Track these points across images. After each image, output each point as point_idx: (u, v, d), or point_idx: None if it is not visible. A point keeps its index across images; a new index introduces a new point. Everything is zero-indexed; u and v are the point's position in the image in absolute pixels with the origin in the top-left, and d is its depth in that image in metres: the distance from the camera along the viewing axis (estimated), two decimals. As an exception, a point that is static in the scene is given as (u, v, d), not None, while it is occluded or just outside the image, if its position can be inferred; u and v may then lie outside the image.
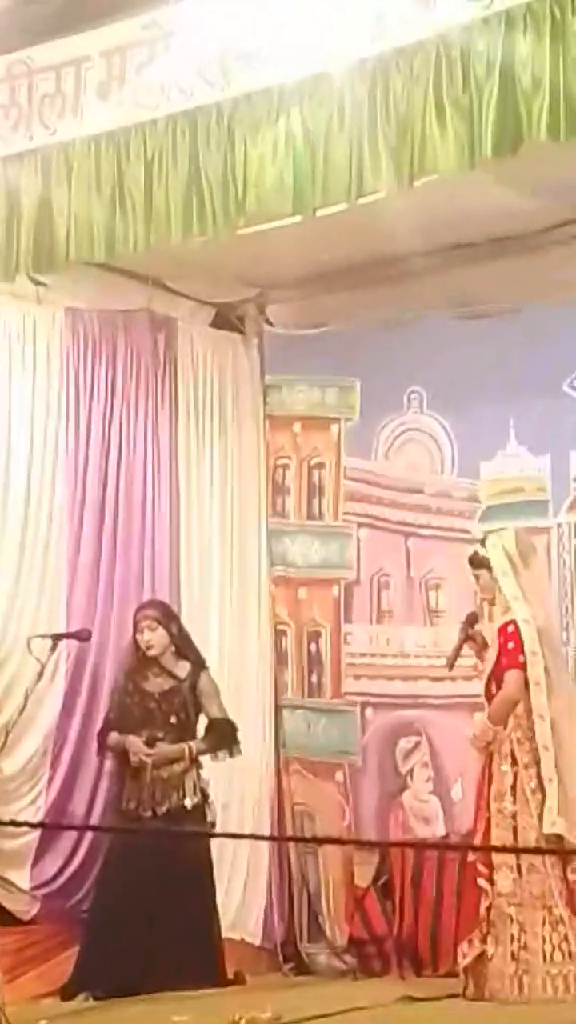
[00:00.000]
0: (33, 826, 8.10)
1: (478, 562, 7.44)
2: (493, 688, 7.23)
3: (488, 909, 7.05)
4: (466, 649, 7.50)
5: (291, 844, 9.00)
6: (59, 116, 6.28)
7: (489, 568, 7.34)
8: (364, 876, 8.61)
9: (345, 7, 5.65)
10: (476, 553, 7.51)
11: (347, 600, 9.14)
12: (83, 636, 7.91)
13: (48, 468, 8.41)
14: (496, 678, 7.22)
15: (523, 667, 7.12)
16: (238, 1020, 5.91)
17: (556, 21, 5.21)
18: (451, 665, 7.60)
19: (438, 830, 8.59)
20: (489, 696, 7.23)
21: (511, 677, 7.19)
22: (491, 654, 7.31)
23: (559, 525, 8.46)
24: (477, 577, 7.47)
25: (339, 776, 9.05)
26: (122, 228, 6.17)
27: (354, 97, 5.64)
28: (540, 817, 6.98)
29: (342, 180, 5.74)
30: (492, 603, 7.42)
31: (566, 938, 6.92)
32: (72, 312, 8.57)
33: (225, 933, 8.07)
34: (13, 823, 7.97)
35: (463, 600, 8.12)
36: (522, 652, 7.11)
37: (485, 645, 7.42)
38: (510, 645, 7.19)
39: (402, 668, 8.69)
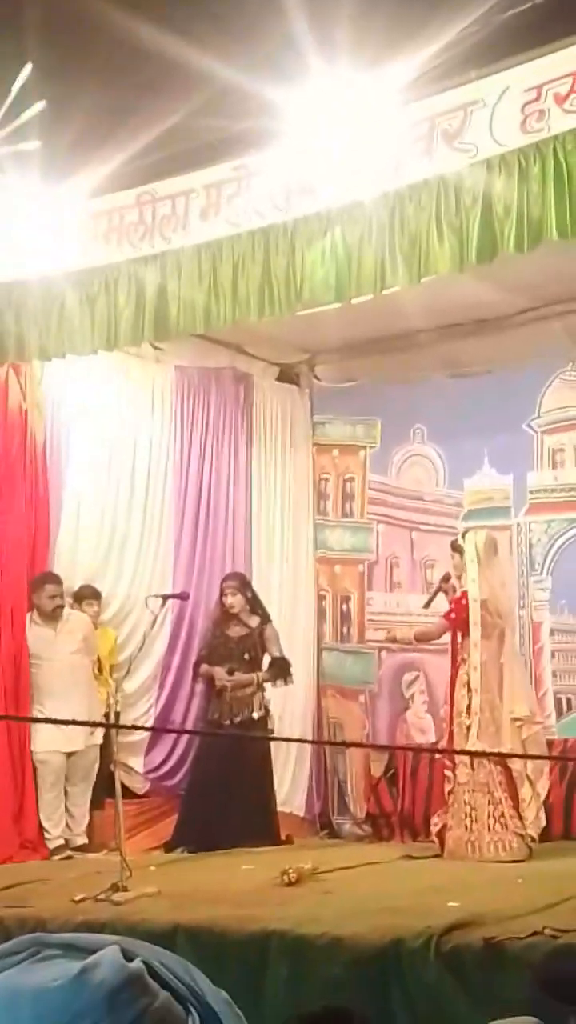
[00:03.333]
0: (146, 729, 8.20)
1: (456, 547, 7.45)
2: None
3: (450, 793, 7.09)
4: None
5: (326, 746, 9.03)
6: (173, 230, 6.23)
7: (462, 554, 7.34)
8: (378, 769, 8.63)
9: (374, 156, 5.59)
10: (455, 541, 7.53)
11: (369, 575, 9.15)
12: (184, 596, 7.96)
13: (161, 479, 8.48)
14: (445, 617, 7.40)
15: (455, 624, 7.22)
16: (288, 869, 5.90)
17: (521, 167, 5.18)
18: (427, 605, 7.73)
19: (431, 738, 8.59)
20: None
21: (440, 623, 7.44)
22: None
23: (518, 524, 8.48)
24: (453, 557, 7.49)
25: (361, 699, 9.07)
26: (216, 309, 6.13)
27: (379, 220, 5.59)
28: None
29: (370, 278, 5.69)
30: (459, 578, 7.40)
31: (503, 815, 6.93)
32: (180, 369, 8.61)
33: (279, 807, 8.13)
34: (133, 726, 8.07)
35: (450, 576, 8.12)
36: (463, 618, 7.15)
37: (455, 593, 7.48)
38: (452, 606, 7.31)
39: (407, 623, 8.68)
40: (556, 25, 5.25)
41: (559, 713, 8.17)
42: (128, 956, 0.86)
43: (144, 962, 0.86)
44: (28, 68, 5.57)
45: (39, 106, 5.77)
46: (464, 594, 7.22)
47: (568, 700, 8.20)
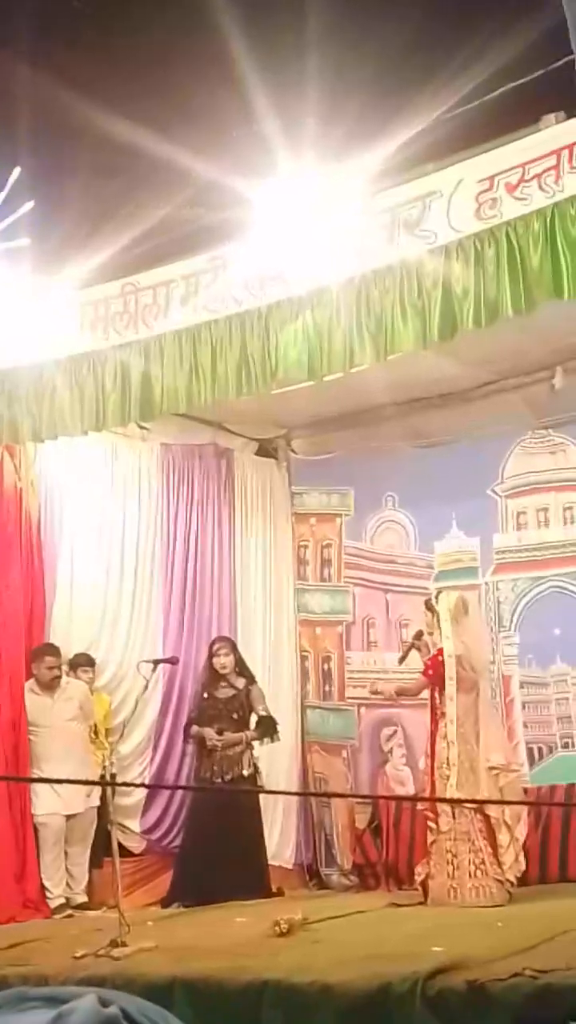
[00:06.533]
0: (141, 786, 8.09)
1: (429, 606, 7.45)
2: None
3: (432, 843, 7.00)
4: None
5: (312, 799, 8.92)
6: (155, 318, 6.27)
7: (435, 613, 7.33)
8: (362, 821, 8.51)
9: (340, 245, 5.65)
10: (428, 601, 7.53)
11: (347, 635, 9.09)
12: (174, 661, 7.87)
13: (149, 551, 8.44)
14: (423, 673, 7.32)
15: (432, 680, 7.13)
16: (279, 920, 5.79)
17: (477, 252, 5.24)
18: (401, 661, 7.69)
19: (410, 789, 8.49)
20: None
21: (420, 680, 7.33)
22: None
23: (486, 584, 8.46)
24: (425, 615, 7.48)
25: (344, 754, 8.98)
26: (197, 390, 6.16)
27: (347, 303, 5.63)
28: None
29: (340, 357, 5.72)
30: (432, 634, 7.38)
31: (483, 861, 6.84)
32: (164, 446, 8.62)
33: (270, 861, 8.01)
34: (129, 784, 7.98)
35: (423, 634, 8.08)
36: (440, 673, 7.09)
37: (428, 651, 7.42)
38: (428, 663, 7.23)
39: (384, 680, 8.64)
40: (505, 121, 5.37)
41: (531, 762, 8.10)
42: (104, 1003, 0.84)
43: (121, 1008, 0.84)
44: (17, 171, 5.63)
45: (28, 206, 5.83)
46: (440, 651, 7.19)
47: (540, 749, 8.14)
